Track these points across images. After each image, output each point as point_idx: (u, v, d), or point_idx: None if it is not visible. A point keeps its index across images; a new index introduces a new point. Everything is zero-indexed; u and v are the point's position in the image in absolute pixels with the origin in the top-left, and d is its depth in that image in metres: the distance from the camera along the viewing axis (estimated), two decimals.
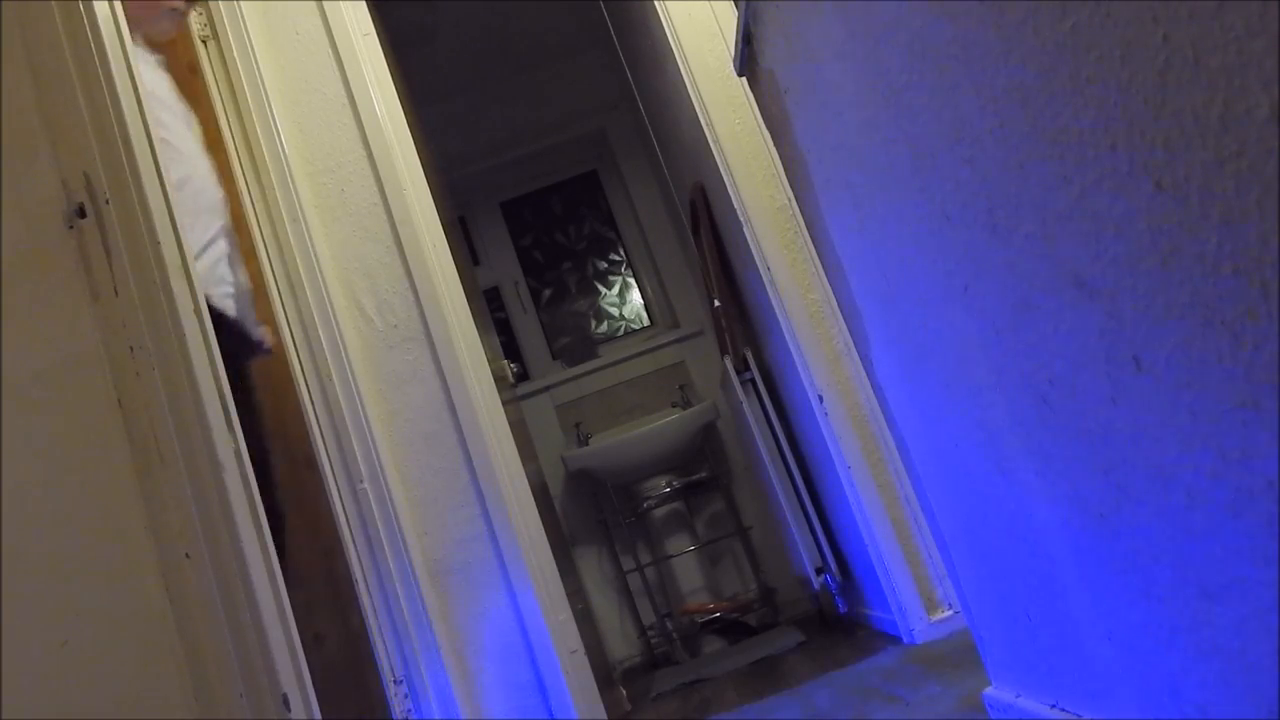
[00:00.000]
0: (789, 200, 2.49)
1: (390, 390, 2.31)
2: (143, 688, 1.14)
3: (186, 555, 1.16)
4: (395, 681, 2.14)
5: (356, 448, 2.22)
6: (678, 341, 4.37)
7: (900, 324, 1.19)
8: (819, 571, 2.82)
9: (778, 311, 2.52)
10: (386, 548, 2.18)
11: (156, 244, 1.24)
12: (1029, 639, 1.14)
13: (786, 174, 1.86)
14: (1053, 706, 1.11)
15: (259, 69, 2.41)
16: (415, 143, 2.50)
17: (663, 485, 3.88)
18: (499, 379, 2.49)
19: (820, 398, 2.47)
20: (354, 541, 2.19)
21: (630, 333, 4.68)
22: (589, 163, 4.76)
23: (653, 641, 3.93)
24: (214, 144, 2.31)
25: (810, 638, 3.11)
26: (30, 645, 1.12)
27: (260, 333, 2.02)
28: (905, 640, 2.35)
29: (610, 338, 4.68)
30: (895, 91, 0.94)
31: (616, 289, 4.75)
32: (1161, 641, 0.77)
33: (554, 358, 4.59)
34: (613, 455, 3.89)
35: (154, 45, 1.97)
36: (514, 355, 4.47)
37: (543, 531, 2.32)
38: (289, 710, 1.15)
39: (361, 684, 2.14)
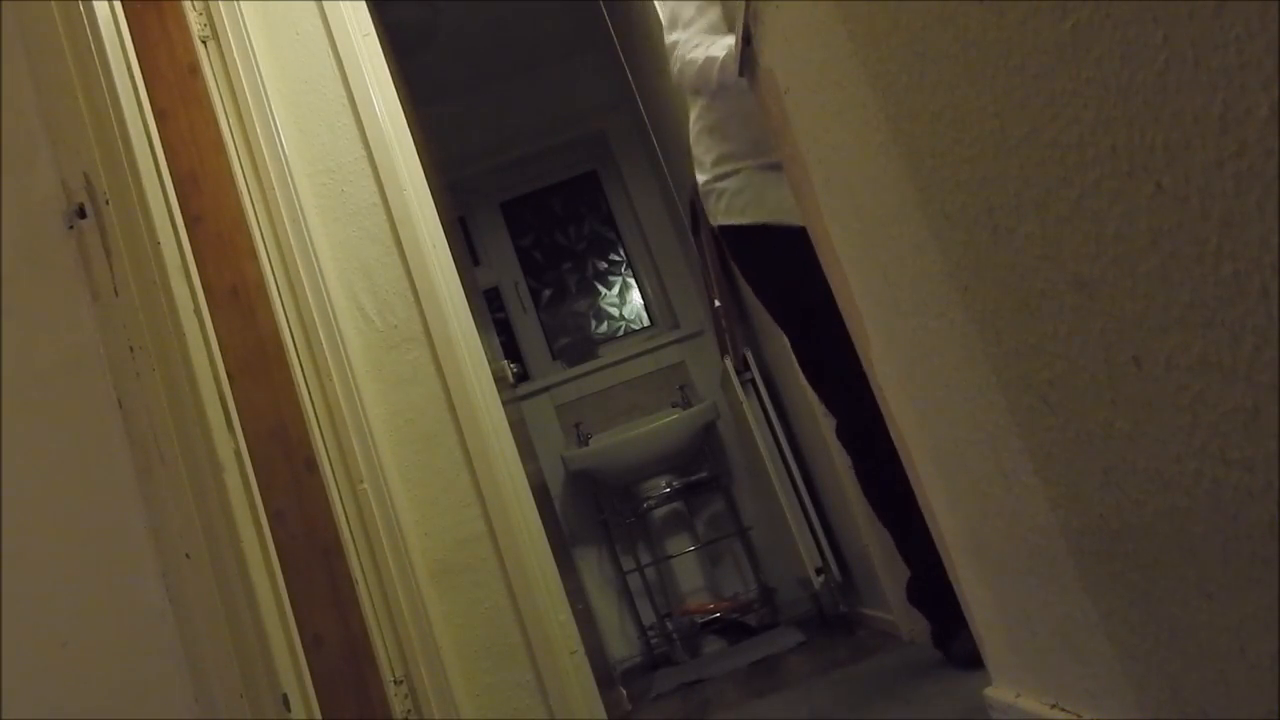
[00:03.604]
0: None
1: (390, 390, 2.31)
2: (143, 688, 1.14)
3: (186, 555, 1.16)
4: (395, 681, 2.14)
5: (356, 448, 2.22)
6: (678, 342, 4.37)
7: (900, 324, 1.19)
8: (819, 571, 2.82)
9: None
10: (386, 548, 2.18)
11: (156, 244, 1.24)
12: (1029, 639, 1.14)
13: (786, 174, 1.86)
14: (1053, 706, 1.11)
15: (259, 69, 2.41)
16: (415, 143, 2.49)
17: (663, 485, 3.87)
18: (499, 379, 2.48)
19: None
20: (354, 541, 2.19)
21: (630, 333, 4.68)
22: (589, 163, 4.75)
23: (653, 641, 3.93)
24: (214, 144, 2.31)
25: (810, 638, 3.11)
26: (30, 645, 1.12)
27: None
28: (905, 640, 2.35)
29: (610, 338, 4.68)
30: (895, 92, 0.94)
31: (616, 289, 4.75)
32: (1161, 641, 0.77)
33: (554, 358, 4.59)
34: (613, 455, 3.89)
35: None
36: (514, 355, 4.47)
37: (543, 531, 2.32)
38: (289, 710, 1.16)
39: (361, 684, 2.14)
